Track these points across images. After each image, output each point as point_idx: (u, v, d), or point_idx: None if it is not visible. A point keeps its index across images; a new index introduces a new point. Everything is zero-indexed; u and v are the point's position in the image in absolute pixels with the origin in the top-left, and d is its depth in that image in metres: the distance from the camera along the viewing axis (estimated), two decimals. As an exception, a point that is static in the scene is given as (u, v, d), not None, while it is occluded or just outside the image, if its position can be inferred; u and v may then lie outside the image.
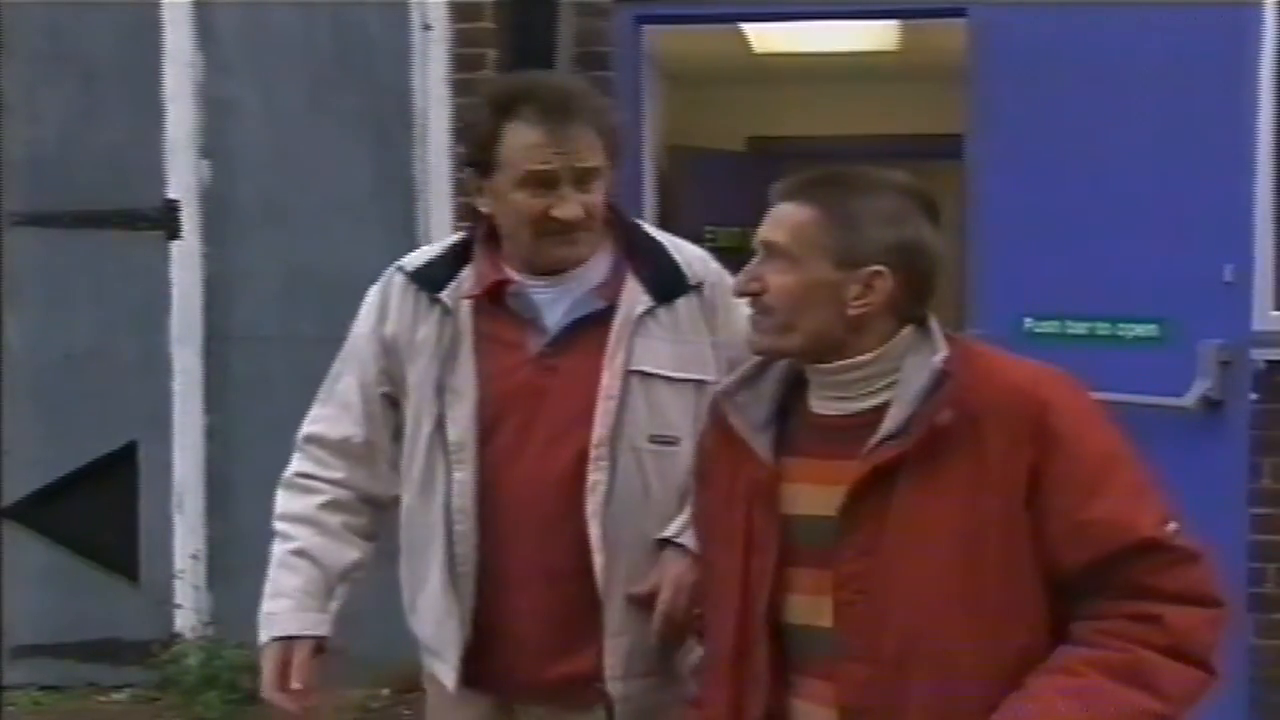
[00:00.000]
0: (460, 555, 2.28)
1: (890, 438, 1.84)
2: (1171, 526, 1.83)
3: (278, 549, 2.40)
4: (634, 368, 2.25)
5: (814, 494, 1.90)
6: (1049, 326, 4.16)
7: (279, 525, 2.41)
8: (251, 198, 4.92)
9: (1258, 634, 4.19)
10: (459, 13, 4.77)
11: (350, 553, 2.40)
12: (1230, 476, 3.92)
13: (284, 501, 2.43)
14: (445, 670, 2.35)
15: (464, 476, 2.27)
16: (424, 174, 4.80)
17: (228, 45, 4.91)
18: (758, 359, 2.00)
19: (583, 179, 2.25)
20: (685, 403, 2.29)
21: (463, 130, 2.37)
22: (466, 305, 2.32)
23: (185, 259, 4.92)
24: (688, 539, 2.21)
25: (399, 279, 2.39)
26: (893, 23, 6.47)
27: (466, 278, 2.34)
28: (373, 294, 2.43)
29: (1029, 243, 4.30)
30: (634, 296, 2.29)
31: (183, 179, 4.90)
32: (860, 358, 1.90)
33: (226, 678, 4.62)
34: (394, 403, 2.39)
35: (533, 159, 2.23)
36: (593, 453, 2.23)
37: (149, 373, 4.92)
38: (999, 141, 4.35)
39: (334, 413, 2.42)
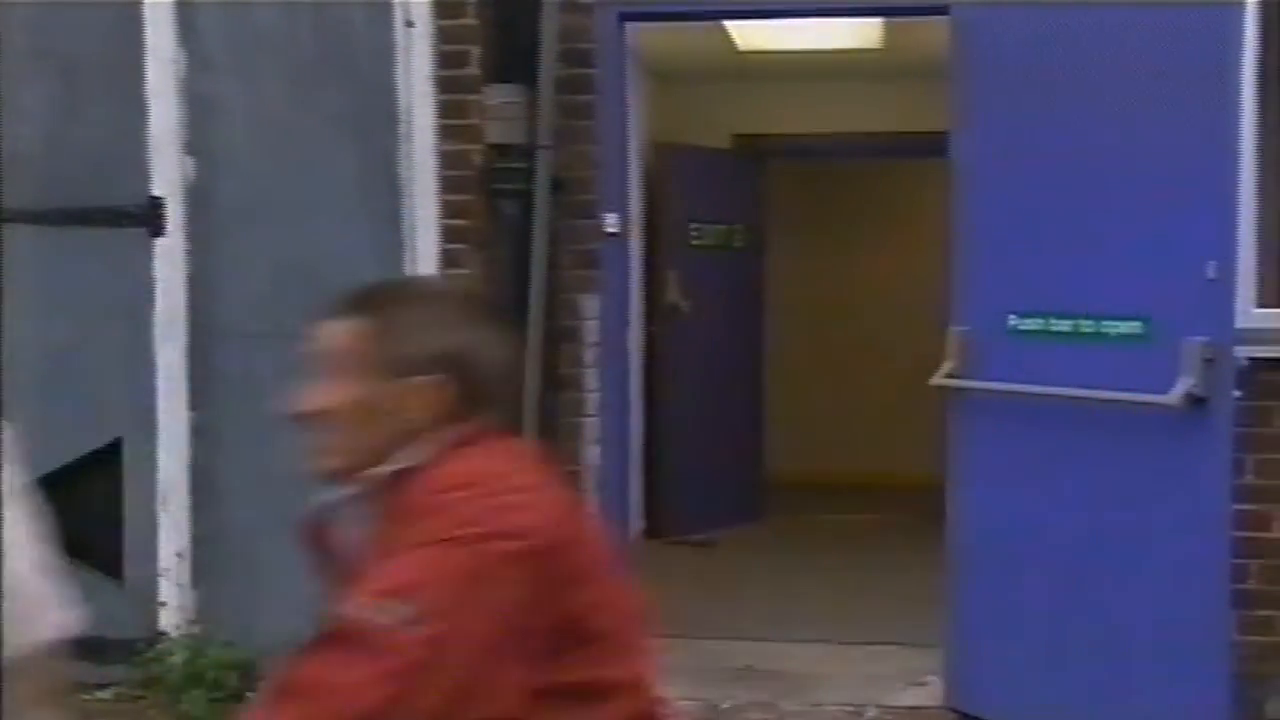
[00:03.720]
0: None
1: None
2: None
3: None
4: None
5: None
6: (1033, 324, 4.17)
7: None
8: (235, 194, 4.90)
9: (1240, 630, 4.20)
10: (442, 9, 4.76)
11: None
12: (1214, 473, 3.93)
13: None
14: None
15: None
16: (409, 170, 4.79)
17: (210, 42, 4.89)
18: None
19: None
20: None
21: None
22: None
23: (169, 255, 4.90)
24: None
25: None
26: (876, 20, 6.48)
27: None
28: None
29: (1013, 240, 4.31)
30: None
31: (166, 176, 4.88)
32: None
33: (211, 676, 4.62)
34: None
35: None
36: None
37: (133, 370, 4.90)
38: (983, 139, 4.36)
39: None
